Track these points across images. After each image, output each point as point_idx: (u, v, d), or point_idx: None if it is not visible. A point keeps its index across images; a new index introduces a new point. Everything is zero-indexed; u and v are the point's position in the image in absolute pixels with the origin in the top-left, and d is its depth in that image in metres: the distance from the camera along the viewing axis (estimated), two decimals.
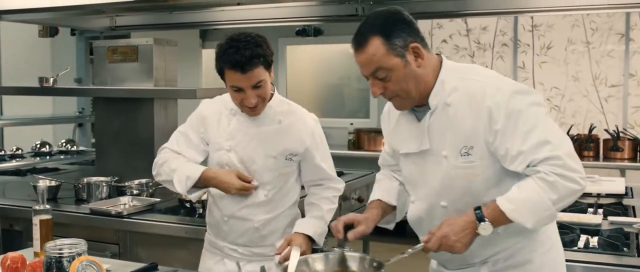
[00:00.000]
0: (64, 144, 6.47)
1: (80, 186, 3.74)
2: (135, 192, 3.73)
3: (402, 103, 2.03)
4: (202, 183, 2.54)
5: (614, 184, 3.94)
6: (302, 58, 7.96)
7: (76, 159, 6.10)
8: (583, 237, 2.73)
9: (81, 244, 1.95)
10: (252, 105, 2.43)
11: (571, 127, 6.07)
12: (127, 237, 3.33)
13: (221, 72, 2.42)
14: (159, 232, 3.25)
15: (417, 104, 2.04)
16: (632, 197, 3.73)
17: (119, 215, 3.34)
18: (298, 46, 7.61)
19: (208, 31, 7.96)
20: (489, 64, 6.62)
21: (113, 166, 4.28)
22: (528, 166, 1.89)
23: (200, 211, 3.41)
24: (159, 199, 3.61)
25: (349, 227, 2.11)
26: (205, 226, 3.11)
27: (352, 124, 7.29)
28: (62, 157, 6.18)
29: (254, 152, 2.54)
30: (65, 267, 1.95)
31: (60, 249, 1.92)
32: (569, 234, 2.68)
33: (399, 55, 1.92)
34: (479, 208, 1.91)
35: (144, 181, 3.82)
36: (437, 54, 2.06)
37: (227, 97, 2.55)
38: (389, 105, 2.20)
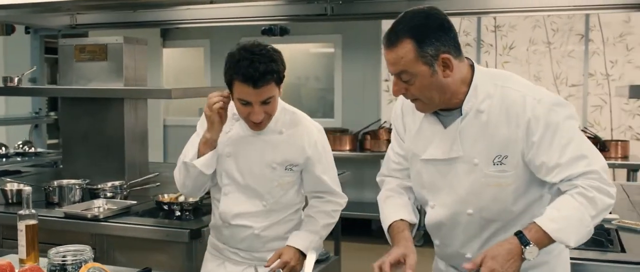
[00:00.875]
0: (20, 146, 6.28)
1: (51, 189, 3.61)
2: (109, 194, 3.61)
3: (424, 107, 1.98)
4: (204, 145, 2.41)
5: None
6: None
7: (35, 161, 5.92)
8: None
9: (86, 251, 1.87)
10: (258, 121, 2.35)
11: None
12: (104, 241, 3.24)
13: (230, 83, 2.31)
14: (138, 235, 3.16)
15: (440, 108, 1.99)
16: None
17: (95, 218, 3.25)
18: None
19: (169, 30, 7.83)
20: None
21: (81, 168, 4.16)
22: (563, 180, 1.89)
23: (178, 213, 3.35)
24: (134, 202, 3.51)
25: (397, 264, 1.94)
26: (185, 229, 3.06)
27: None
28: (19, 159, 5.99)
29: (253, 161, 2.47)
30: None
31: (63, 256, 1.84)
32: None
33: (428, 63, 1.86)
34: (520, 232, 1.84)
35: (117, 183, 3.72)
36: (466, 57, 1.99)
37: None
38: (401, 106, 2.15)
